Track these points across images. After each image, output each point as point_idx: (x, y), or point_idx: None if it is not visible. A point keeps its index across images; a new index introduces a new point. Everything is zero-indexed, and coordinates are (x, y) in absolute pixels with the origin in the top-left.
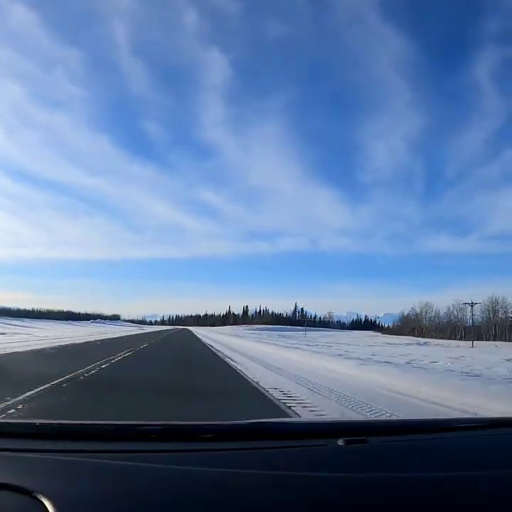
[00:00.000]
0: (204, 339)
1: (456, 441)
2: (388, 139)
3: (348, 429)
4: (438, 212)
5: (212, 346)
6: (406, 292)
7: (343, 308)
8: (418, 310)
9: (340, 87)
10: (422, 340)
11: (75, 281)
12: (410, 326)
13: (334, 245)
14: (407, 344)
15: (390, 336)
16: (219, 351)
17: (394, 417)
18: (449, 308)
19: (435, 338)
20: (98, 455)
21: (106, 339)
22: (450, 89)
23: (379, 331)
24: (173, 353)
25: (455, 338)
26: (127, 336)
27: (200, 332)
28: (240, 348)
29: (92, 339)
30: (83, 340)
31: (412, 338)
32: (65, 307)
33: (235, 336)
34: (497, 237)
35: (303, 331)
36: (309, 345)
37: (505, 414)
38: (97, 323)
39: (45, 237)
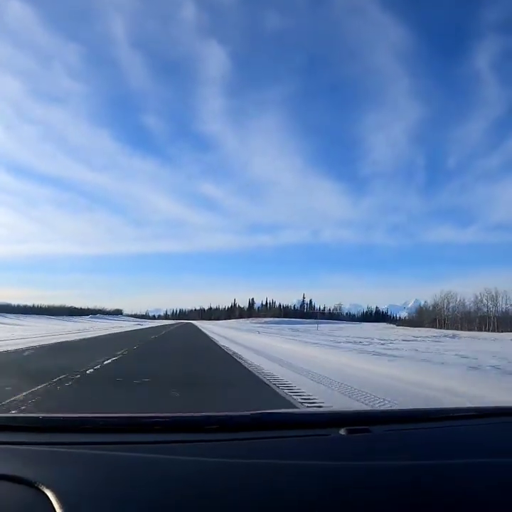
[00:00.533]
0: (216, 338)
1: (458, 430)
2: (388, 130)
3: (350, 419)
4: (439, 204)
5: (237, 355)
6: (408, 283)
7: (346, 300)
8: (439, 300)
9: (340, 78)
10: (448, 332)
11: (78, 277)
12: (430, 317)
13: (336, 237)
14: (435, 336)
15: (408, 328)
16: (251, 364)
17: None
18: (476, 297)
19: (460, 329)
20: (102, 447)
21: (73, 340)
22: (450, 79)
23: (391, 323)
24: (171, 377)
25: (486, 330)
26: (113, 333)
27: (207, 326)
28: (276, 354)
29: (51, 341)
30: (25, 346)
31: (434, 330)
32: (67, 303)
33: (246, 330)
34: (501, 226)
35: (312, 323)
36: (356, 344)
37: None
38: (95, 318)
39: (48, 233)
